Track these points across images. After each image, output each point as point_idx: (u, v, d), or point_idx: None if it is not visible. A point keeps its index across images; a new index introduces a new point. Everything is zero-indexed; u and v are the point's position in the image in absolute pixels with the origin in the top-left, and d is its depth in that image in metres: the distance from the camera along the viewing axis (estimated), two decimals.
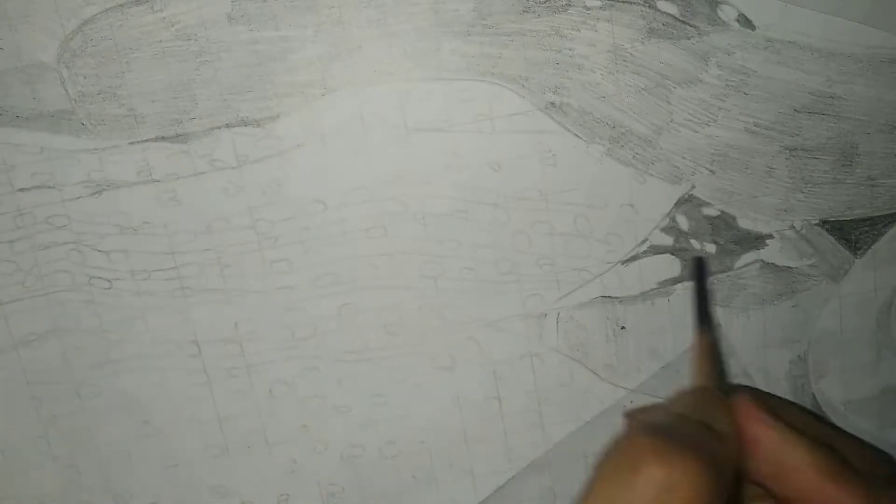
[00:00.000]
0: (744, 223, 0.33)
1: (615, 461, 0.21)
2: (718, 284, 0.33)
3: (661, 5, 0.30)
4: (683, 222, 0.32)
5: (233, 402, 0.32)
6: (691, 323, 0.28)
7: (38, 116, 0.30)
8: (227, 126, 0.30)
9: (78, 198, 0.30)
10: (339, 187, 0.31)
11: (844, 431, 0.25)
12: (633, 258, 0.33)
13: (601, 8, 0.30)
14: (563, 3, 0.30)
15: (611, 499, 0.20)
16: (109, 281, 0.31)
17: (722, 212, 0.32)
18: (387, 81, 0.30)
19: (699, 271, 0.31)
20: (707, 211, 0.32)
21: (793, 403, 0.27)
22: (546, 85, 0.31)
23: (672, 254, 0.33)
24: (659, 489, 0.20)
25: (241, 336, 0.32)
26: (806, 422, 0.24)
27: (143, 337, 0.31)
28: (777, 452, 0.23)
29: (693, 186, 0.32)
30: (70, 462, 0.32)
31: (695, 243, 0.33)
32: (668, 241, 0.33)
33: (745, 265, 0.33)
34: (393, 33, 0.30)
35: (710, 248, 0.33)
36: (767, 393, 0.26)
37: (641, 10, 0.30)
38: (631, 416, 0.25)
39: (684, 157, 0.32)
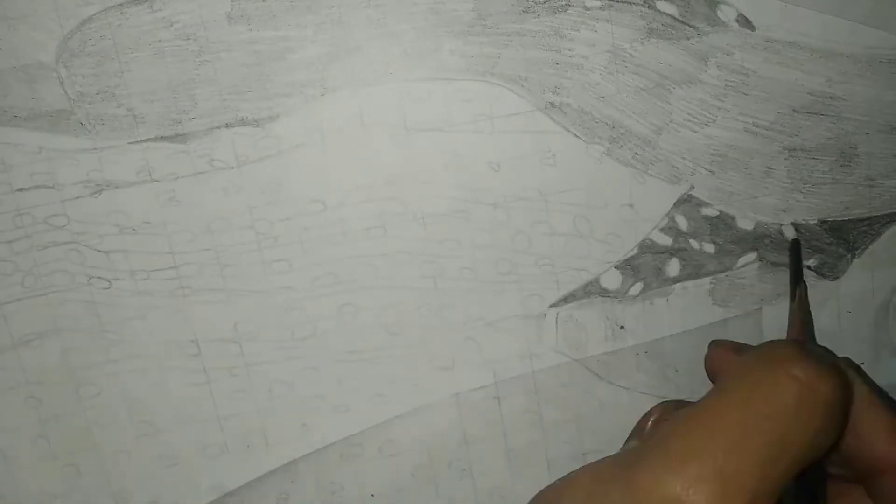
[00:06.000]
0: (742, 223, 0.33)
1: (754, 361, 0.21)
2: (717, 284, 0.33)
3: (661, 5, 0.30)
4: (682, 222, 0.32)
5: (232, 401, 0.32)
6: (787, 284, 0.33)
7: (37, 116, 0.30)
8: (227, 126, 0.30)
9: (77, 198, 0.30)
10: (338, 187, 0.31)
11: None
12: (633, 258, 0.33)
13: (601, 8, 0.30)
14: (563, 3, 0.30)
15: (749, 395, 0.20)
16: (109, 281, 0.31)
17: (721, 212, 0.32)
18: (386, 81, 0.30)
19: (795, 249, 0.33)
20: (706, 211, 0.32)
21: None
22: (545, 85, 0.31)
23: (671, 254, 0.33)
24: (801, 386, 0.20)
25: (241, 336, 0.32)
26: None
27: (143, 337, 0.31)
28: (858, 414, 0.24)
29: (692, 187, 0.32)
30: (70, 462, 0.32)
31: (694, 243, 0.33)
32: (667, 241, 0.33)
33: (744, 265, 0.33)
34: (393, 33, 0.30)
35: (709, 249, 0.33)
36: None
37: (641, 11, 0.30)
38: (717, 343, 0.28)
39: (683, 158, 0.32)
